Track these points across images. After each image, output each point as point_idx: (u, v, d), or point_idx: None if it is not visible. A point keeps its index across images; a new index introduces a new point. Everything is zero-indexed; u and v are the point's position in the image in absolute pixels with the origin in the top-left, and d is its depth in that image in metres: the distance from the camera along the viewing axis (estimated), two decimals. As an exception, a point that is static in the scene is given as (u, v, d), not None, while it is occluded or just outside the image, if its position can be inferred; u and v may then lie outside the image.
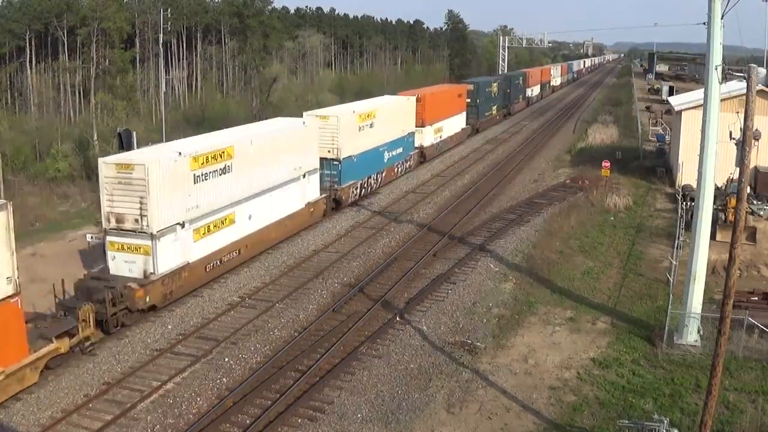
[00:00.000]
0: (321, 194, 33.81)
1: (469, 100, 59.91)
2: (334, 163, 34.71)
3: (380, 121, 39.03)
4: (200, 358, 20.14)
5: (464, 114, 58.64)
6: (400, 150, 43.30)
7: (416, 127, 46.27)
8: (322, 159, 33.60)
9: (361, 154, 37.12)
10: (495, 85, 70.74)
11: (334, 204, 35.25)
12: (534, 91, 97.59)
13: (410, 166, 45.61)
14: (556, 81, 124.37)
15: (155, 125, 66.28)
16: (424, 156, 48.27)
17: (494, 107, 70.60)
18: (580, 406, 17.61)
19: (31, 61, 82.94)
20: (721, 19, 18.94)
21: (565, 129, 71.41)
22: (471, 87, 61.80)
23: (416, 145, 46.83)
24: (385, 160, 41.04)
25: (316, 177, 33.34)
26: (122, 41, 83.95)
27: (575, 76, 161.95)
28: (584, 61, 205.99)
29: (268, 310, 23.67)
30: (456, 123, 56.40)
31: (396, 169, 43.15)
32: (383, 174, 40.92)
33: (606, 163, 40.85)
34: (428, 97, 48.56)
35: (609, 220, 34.62)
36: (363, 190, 38.01)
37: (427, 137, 48.78)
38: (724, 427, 16.47)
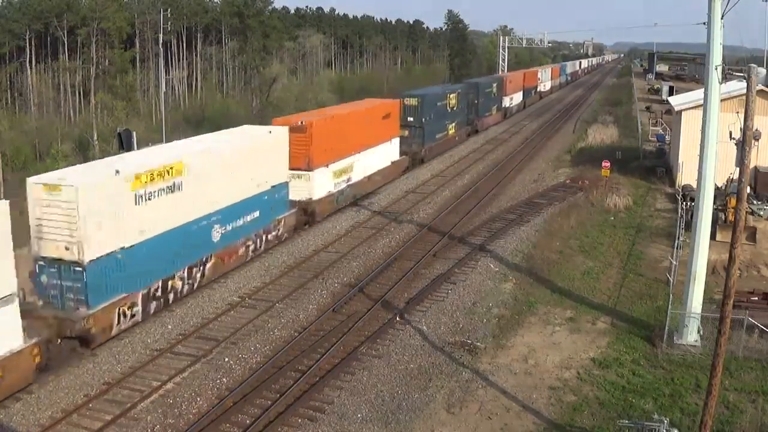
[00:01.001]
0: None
1: (411, 119, 46.84)
2: (75, 269, 19.77)
3: (201, 175, 24.03)
4: (200, 358, 20.14)
5: (396, 141, 43.39)
6: (254, 215, 27.59)
7: (300, 170, 31.49)
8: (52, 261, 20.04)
9: (151, 241, 22.04)
10: (453, 96, 55.26)
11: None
12: (514, 99, 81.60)
13: (279, 236, 29.82)
14: (545, 86, 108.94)
15: (155, 125, 66.36)
16: (312, 215, 32.62)
17: (451, 125, 55.10)
18: (580, 406, 17.61)
19: (31, 61, 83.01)
20: (721, 19, 18.94)
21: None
22: (412, 101, 47.33)
23: (297, 199, 31.41)
24: (216, 239, 25.43)
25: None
26: (122, 41, 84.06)
27: (569, 78, 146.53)
28: (580, 62, 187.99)
29: (268, 310, 23.67)
30: (380, 156, 40.74)
31: (245, 248, 27.39)
32: (210, 264, 25.18)
33: (606, 163, 40.83)
34: (318, 125, 32.64)
35: (609, 220, 34.62)
36: (162, 300, 22.89)
37: (317, 186, 32.71)
38: (724, 427, 16.47)
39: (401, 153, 44.92)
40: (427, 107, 48.17)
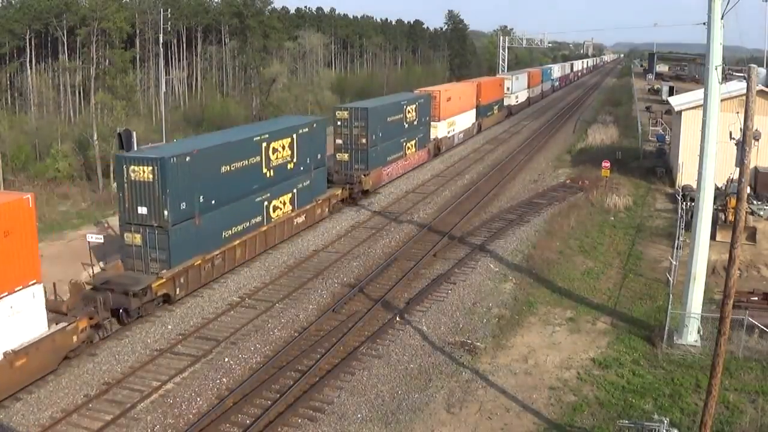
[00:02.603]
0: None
1: (347, 138, 37.42)
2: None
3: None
4: (200, 358, 20.15)
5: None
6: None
7: None
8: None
9: None
10: (413, 108, 43.75)
11: None
12: (457, 124, 56.15)
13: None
14: (517, 98, 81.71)
15: (155, 125, 66.33)
16: None
17: (410, 143, 44.22)
18: (580, 406, 17.61)
19: (31, 61, 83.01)
20: (721, 19, 18.95)
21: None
22: (345, 114, 37.66)
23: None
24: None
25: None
26: (122, 41, 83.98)
27: (557, 85, 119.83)
28: (572, 64, 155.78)
29: (268, 310, 23.68)
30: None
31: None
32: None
33: (606, 163, 40.85)
34: None
35: (609, 220, 34.62)
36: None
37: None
38: (724, 427, 16.47)
39: (336, 181, 36.36)
40: (374, 122, 38.31)
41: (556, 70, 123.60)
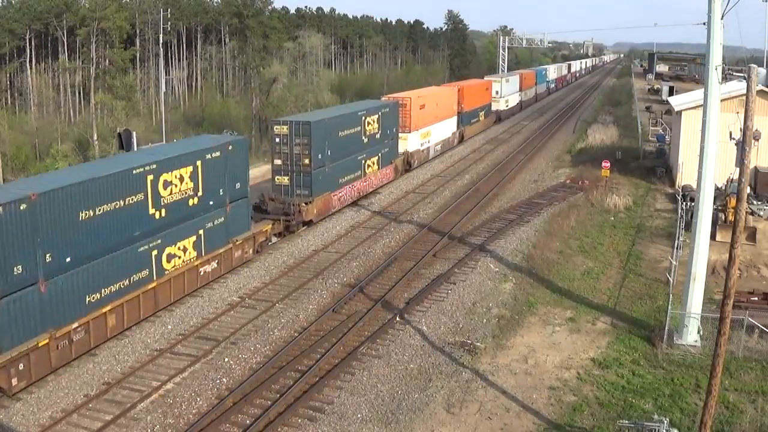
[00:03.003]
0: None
1: (286, 158, 31.91)
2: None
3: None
4: (200, 358, 20.14)
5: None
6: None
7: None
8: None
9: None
10: (374, 119, 38.32)
11: None
12: (433, 135, 50.05)
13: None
14: (507, 102, 75.85)
15: (155, 125, 66.37)
16: None
17: (371, 161, 38.66)
18: (579, 406, 17.61)
19: (31, 61, 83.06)
20: (721, 19, 18.96)
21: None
22: (284, 129, 32.00)
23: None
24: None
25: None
26: (122, 41, 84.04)
27: (553, 87, 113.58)
28: (569, 65, 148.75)
29: (268, 310, 23.68)
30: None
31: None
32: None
33: (606, 164, 40.85)
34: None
35: (609, 220, 34.61)
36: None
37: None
38: (724, 427, 16.46)
39: (272, 212, 31.11)
40: (320, 138, 32.53)
41: (552, 71, 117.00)
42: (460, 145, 57.24)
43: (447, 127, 53.54)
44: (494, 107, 70.87)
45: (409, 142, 45.29)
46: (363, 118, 37.45)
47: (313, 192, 32.34)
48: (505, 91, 75.06)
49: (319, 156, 32.56)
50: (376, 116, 38.96)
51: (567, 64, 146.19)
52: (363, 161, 37.77)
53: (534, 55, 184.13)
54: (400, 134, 43.74)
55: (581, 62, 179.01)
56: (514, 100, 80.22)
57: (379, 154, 39.83)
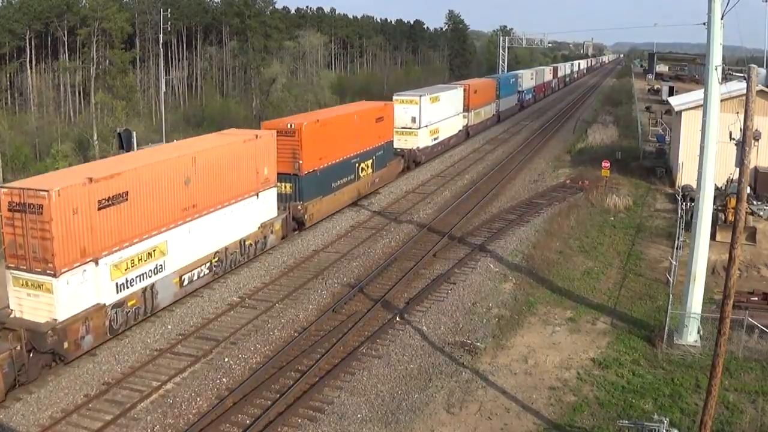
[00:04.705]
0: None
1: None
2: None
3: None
4: (200, 358, 20.15)
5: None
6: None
7: None
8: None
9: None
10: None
11: None
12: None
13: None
14: (434, 135, 48.06)
15: (155, 125, 66.40)
16: None
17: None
18: (579, 406, 17.61)
19: (31, 61, 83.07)
20: (721, 19, 18.95)
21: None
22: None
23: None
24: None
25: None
26: (122, 41, 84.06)
27: (529, 98, 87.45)
28: (555, 68, 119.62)
29: (268, 310, 23.68)
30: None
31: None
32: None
33: (606, 164, 40.81)
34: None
35: (609, 220, 34.60)
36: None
37: None
38: (724, 427, 16.47)
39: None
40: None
41: (528, 78, 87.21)
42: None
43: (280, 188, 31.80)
44: (408, 145, 45.09)
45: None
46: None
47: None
48: (431, 116, 47.27)
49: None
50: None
51: (552, 68, 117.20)
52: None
53: (534, 55, 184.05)
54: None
55: (572, 64, 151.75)
56: (448, 130, 51.98)
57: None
